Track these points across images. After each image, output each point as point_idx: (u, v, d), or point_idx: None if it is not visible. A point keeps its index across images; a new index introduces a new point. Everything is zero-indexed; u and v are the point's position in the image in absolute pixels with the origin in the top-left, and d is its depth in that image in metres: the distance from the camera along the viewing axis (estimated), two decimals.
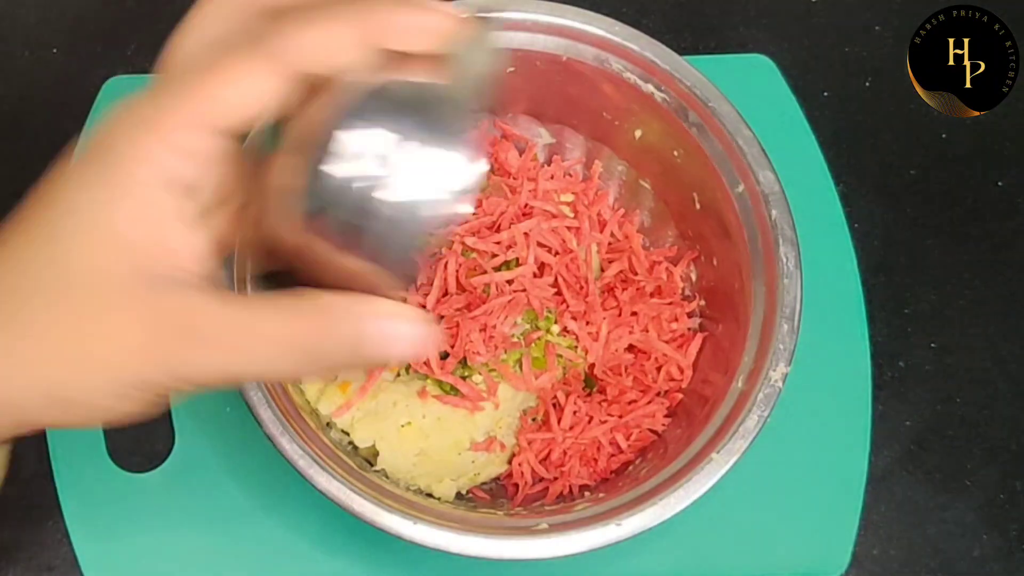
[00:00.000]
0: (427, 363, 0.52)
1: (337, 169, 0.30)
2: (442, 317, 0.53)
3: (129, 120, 0.30)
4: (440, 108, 0.32)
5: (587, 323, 0.55)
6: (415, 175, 0.31)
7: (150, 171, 0.29)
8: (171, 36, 0.33)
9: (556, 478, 0.53)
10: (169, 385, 0.31)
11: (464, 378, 0.53)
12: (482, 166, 0.32)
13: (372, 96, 0.31)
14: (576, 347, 0.55)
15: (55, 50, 0.65)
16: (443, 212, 0.32)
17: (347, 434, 0.53)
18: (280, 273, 0.33)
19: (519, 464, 0.53)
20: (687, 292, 0.57)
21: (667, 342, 0.56)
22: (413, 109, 0.31)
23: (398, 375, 0.54)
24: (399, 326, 0.32)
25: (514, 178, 0.58)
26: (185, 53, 0.32)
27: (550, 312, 0.54)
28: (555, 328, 0.55)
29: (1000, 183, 0.64)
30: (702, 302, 0.57)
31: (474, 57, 0.33)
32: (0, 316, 0.30)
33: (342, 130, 0.30)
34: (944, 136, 0.64)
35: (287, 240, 0.32)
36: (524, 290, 0.54)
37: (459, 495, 0.53)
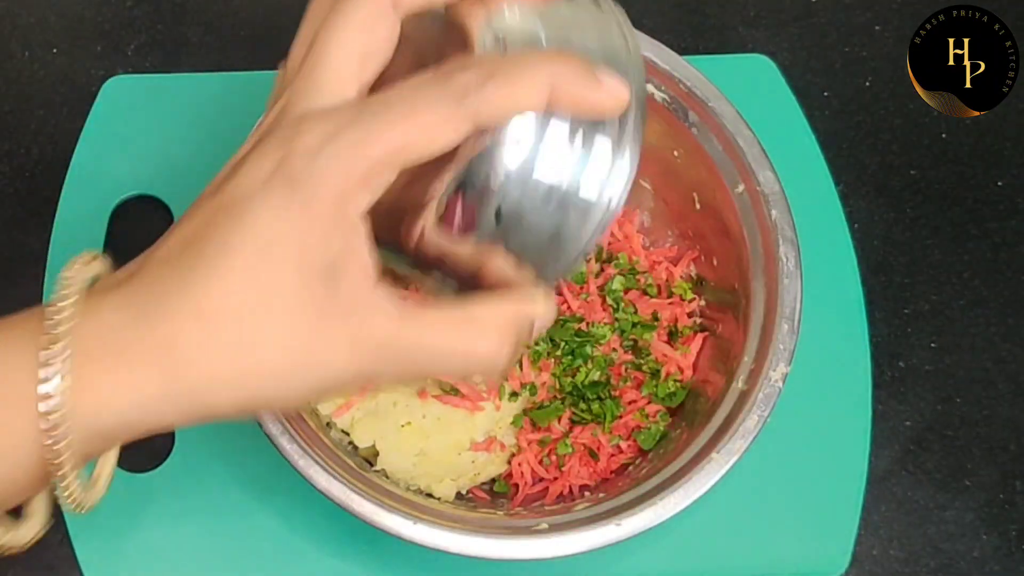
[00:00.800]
0: None
1: (505, 164, 0.32)
2: None
3: (325, 150, 0.31)
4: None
5: (587, 323, 0.55)
6: (570, 177, 0.33)
7: (350, 206, 0.31)
8: (315, 44, 0.33)
9: (556, 478, 0.53)
10: (357, 388, 0.32)
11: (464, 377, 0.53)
12: (629, 173, 0.34)
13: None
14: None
15: (55, 50, 0.65)
16: (599, 215, 0.33)
17: (347, 434, 0.53)
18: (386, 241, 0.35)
19: (519, 464, 0.53)
20: (687, 292, 0.57)
21: (667, 342, 0.56)
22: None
23: None
24: (551, 316, 0.35)
25: None
26: (338, 67, 0.33)
27: None
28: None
29: (1000, 183, 0.64)
30: (702, 302, 0.57)
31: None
32: (209, 339, 0.31)
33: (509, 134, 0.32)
34: (944, 136, 0.64)
35: (429, 236, 0.34)
36: None
37: (459, 495, 0.53)
